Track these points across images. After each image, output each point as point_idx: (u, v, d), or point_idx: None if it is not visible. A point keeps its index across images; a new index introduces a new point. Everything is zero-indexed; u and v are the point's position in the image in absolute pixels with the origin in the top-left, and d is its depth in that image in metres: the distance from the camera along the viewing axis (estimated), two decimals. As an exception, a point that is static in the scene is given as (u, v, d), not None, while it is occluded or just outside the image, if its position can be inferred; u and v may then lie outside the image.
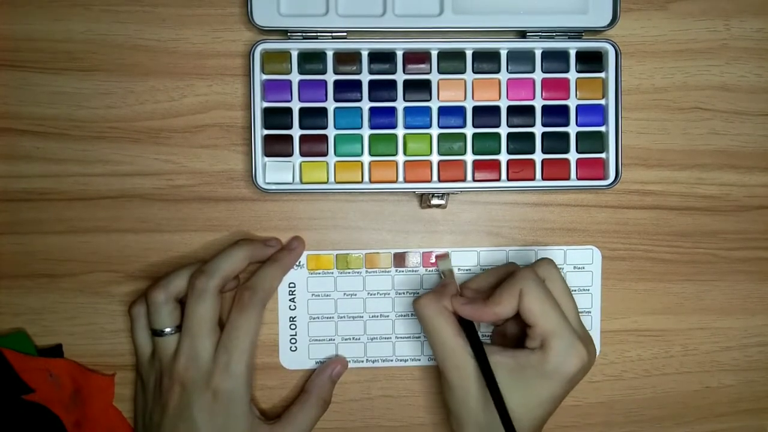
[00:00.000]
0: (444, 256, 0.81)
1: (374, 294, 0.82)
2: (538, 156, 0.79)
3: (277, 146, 0.77)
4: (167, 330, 0.73)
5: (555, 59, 0.79)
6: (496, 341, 0.79)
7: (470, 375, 0.70)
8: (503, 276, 0.74)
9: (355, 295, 0.82)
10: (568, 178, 0.79)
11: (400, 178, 0.78)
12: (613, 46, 0.78)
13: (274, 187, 0.77)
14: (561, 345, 0.68)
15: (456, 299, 0.72)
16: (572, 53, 0.79)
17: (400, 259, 0.82)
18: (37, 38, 0.78)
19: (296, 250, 0.80)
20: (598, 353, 0.82)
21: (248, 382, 0.73)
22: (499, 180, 0.78)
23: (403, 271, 0.82)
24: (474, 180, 0.78)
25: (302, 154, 0.77)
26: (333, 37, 0.77)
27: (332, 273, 0.81)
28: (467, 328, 0.71)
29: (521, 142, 0.78)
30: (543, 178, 0.79)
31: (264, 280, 0.76)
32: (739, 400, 0.85)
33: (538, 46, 0.78)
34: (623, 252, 0.83)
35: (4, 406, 0.75)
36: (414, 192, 0.79)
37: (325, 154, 0.77)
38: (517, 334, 0.75)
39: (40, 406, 0.76)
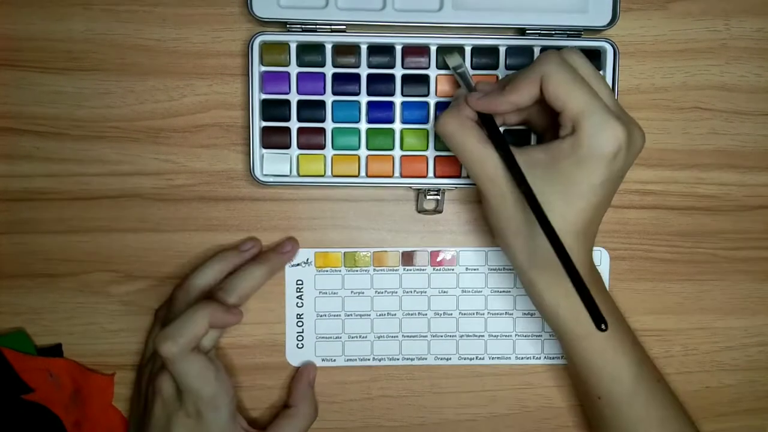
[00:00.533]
0: (450, 51, 0.76)
1: (382, 292, 0.82)
2: (536, 154, 0.78)
3: (275, 138, 0.77)
4: None
5: (554, 58, 0.79)
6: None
7: (503, 180, 0.66)
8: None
9: (363, 293, 0.82)
10: (566, 176, 0.79)
11: (397, 173, 0.78)
12: (612, 46, 0.78)
13: (271, 179, 0.77)
14: (592, 123, 0.63)
15: (471, 95, 0.68)
16: (571, 52, 0.79)
17: (408, 258, 0.82)
18: (37, 38, 0.78)
19: (287, 254, 0.79)
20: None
21: (231, 402, 0.72)
22: (496, 177, 0.78)
23: (410, 270, 0.82)
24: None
25: (300, 147, 0.77)
26: (332, 30, 0.77)
27: (340, 271, 0.82)
28: (487, 123, 0.68)
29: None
30: (540, 176, 0.78)
31: (242, 279, 0.74)
32: (739, 400, 0.85)
33: (537, 44, 0.78)
34: (623, 252, 0.83)
35: (4, 406, 0.75)
36: (410, 187, 0.79)
37: (322, 147, 0.77)
38: (548, 125, 0.72)
39: (40, 406, 0.76)
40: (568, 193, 0.65)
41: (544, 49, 0.78)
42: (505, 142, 0.67)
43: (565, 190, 0.65)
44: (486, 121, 0.68)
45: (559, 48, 0.76)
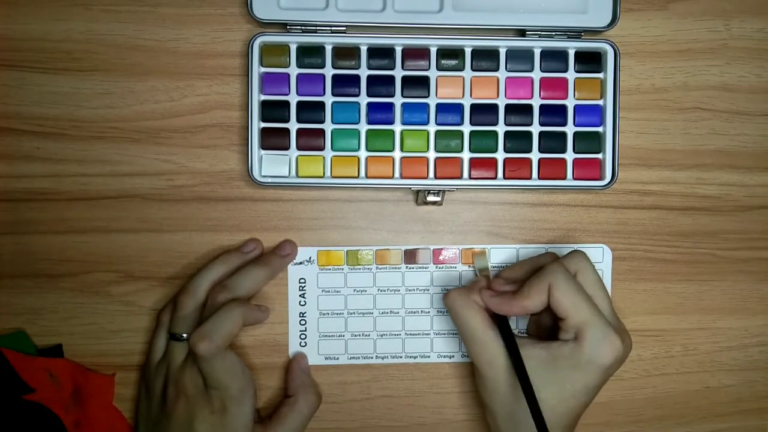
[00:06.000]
0: (480, 254, 0.81)
1: (384, 290, 0.82)
2: (534, 155, 0.79)
3: (274, 139, 0.77)
4: (185, 335, 0.73)
5: (554, 59, 0.79)
6: (530, 331, 0.80)
7: (502, 367, 0.70)
8: (539, 267, 0.74)
9: (365, 291, 0.82)
10: (564, 178, 0.79)
11: (397, 174, 0.78)
12: (612, 47, 0.78)
13: (270, 180, 0.77)
14: (594, 336, 0.68)
15: (484, 292, 0.72)
16: (571, 53, 0.79)
17: (410, 256, 0.82)
18: (37, 38, 0.78)
19: (287, 257, 0.80)
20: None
21: (254, 396, 0.74)
22: (495, 178, 0.78)
23: (413, 268, 0.82)
24: (470, 177, 0.78)
25: (299, 148, 0.77)
26: (332, 32, 0.77)
27: (342, 269, 0.82)
28: (499, 320, 0.71)
29: (518, 141, 0.78)
30: (539, 178, 0.79)
31: (246, 279, 0.76)
32: (739, 400, 0.85)
33: (537, 45, 0.78)
34: (623, 252, 0.83)
35: (4, 406, 0.75)
36: (410, 188, 0.79)
37: (321, 149, 0.77)
38: (551, 324, 0.76)
39: (40, 406, 0.76)
40: (562, 391, 0.69)
41: (544, 50, 0.79)
42: (513, 337, 0.71)
43: (560, 387, 0.69)
44: (497, 315, 0.72)
45: (560, 51, 0.78)
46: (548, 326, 0.76)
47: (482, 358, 0.71)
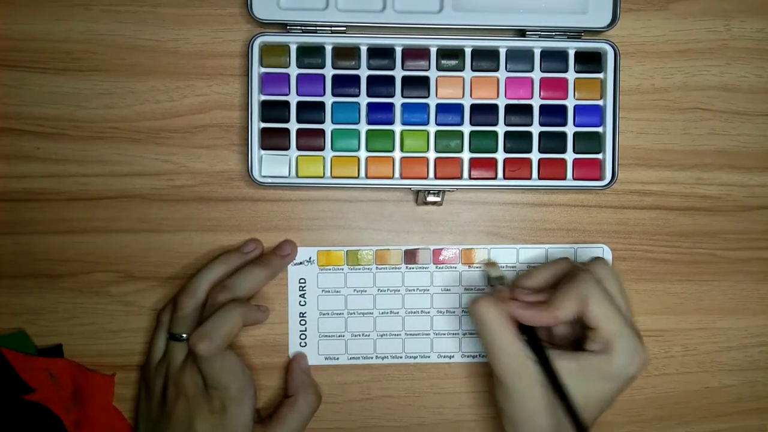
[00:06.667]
0: (492, 265, 0.81)
1: (384, 291, 0.82)
2: (534, 155, 0.79)
3: (274, 140, 0.77)
4: (185, 336, 0.73)
5: (554, 59, 0.79)
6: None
7: (531, 379, 0.69)
8: (558, 274, 0.74)
9: (365, 291, 0.82)
10: (564, 178, 0.79)
11: (397, 175, 0.78)
12: (612, 47, 0.78)
13: (270, 180, 0.77)
14: (625, 348, 0.68)
15: (514, 304, 0.71)
16: (571, 53, 0.79)
17: (410, 256, 0.82)
18: (37, 38, 0.78)
19: (287, 257, 0.80)
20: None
21: (254, 396, 0.74)
22: (495, 178, 0.78)
23: (413, 268, 0.82)
24: (470, 178, 0.78)
25: (299, 148, 0.77)
26: (332, 32, 0.77)
27: (342, 269, 0.82)
28: (528, 331, 0.71)
29: (518, 141, 0.78)
30: (539, 178, 0.79)
31: (245, 279, 0.75)
32: (739, 400, 0.85)
33: (537, 46, 0.78)
34: (623, 252, 0.83)
35: (4, 406, 0.75)
36: (410, 188, 0.79)
37: (321, 149, 0.77)
38: (565, 333, 0.75)
39: (40, 406, 0.76)
40: (588, 399, 0.69)
41: (544, 51, 0.79)
42: (543, 348, 0.70)
43: (587, 396, 0.68)
44: (525, 326, 0.71)
45: (560, 51, 0.78)
46: (564, 335, 0.75)
47: (509, 368, 0.69)
